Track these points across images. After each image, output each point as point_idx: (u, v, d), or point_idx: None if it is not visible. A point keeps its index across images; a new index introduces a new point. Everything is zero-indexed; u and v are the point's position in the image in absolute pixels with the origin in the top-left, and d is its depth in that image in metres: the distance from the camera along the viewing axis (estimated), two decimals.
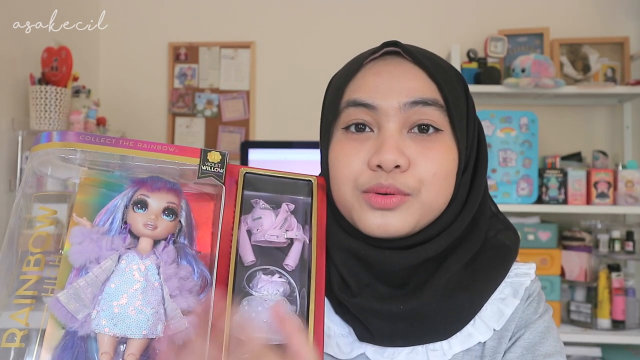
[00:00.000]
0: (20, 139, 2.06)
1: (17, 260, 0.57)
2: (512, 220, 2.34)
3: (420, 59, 0.66)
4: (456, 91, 0.68)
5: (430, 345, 0.66)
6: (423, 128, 0.65)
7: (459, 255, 0.67)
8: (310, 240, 0.63)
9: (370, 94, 0.65)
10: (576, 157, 2.35)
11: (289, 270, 0.61)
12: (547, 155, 2.29)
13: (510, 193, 2.14)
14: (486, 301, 0.67)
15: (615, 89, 2.22)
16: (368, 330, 0.65)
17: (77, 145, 0.58)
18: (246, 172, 0.64)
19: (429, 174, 0.64)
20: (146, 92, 2.68)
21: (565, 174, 2.14)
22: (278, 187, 0.66)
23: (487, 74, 2.21)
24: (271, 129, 2.63)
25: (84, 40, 2.51)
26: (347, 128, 0.67)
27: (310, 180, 0.67)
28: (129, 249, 0.57)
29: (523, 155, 2.14)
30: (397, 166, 0.63)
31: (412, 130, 0.65)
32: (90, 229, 0.58)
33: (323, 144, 0.71)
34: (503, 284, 0.69)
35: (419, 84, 0.65)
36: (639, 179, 2.11)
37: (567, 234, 2.23)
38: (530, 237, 2.14)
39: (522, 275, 0.70)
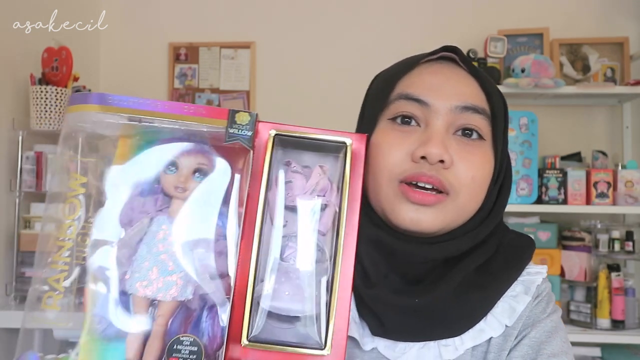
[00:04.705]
0: (20, 139, 2.07)
1: (57, 226, 0.58)
2: (512, 220, 2.35)
3: (475, 68, 0.70)
4: (500, 104, 0.71)
5: (443, 341, 0.66)
6: (467, 132, 0.67)
7: (475, 256, 0.69)
8: (345, 206, 0.58)
9: (425, 91, 0.67)
10: (576, 157, 2.35)
11: (320, 235, 0.59)
12: (546, 155, 2.30)
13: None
14: (499, 299, 0.68)
15: (614, 89, 2.22)
16: (381, 324, 0.66)
17: (110, 109, 0.59)
18: (276, 134, 0.61)
19: (468, 178, 0.65)
20: (146, 92, 2.68)
21: (565, 174, 2.14)
22: (312, 148, 0.62)
23: (487, 74, 2.21)
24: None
25: (84, 40, 2.52)
26: (393, 119, 0.68)
27: (344, 142, 0.60)
28: (160, 210, 0.58)
29: (523, 155, 2.15)
30: (441, 162, 0.64)
31: (457, 133, 0.67)
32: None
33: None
34: (515, 282, 0.70)
35: (472, 91, 0.68)
36: (639, 179, 2.11)
37: (566, 234, 2.23)
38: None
39: (534, 274, 0.72)
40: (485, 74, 0.72)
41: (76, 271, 0.57)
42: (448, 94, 0.67)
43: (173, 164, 0.59)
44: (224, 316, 0.55)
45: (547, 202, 2.14)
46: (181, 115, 0.59)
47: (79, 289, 0.57)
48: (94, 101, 0.59)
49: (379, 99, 0.71)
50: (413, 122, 0.67)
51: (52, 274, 0.57)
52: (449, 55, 0.71)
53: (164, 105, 0.59)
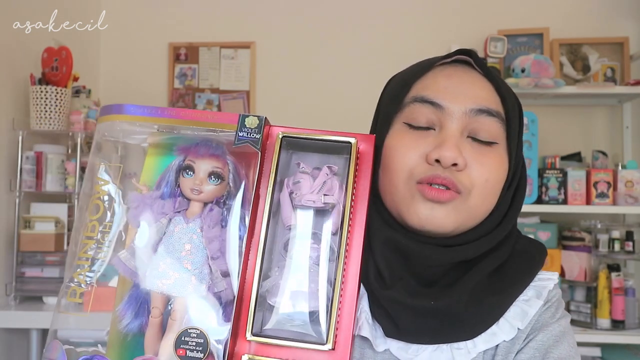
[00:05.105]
0: (20, 139, 2.07)
1: (82, 224, 0.63)
2: None
3: (490, 71, 0.70)
4: (515, 108, 0.71)
5: (455, 344, 0.67)
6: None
7: (489, 261, 0.69)
8: (349, 204, 0.60)
9: (440, 94, 0.68)
10: (576, 157, 2.35)
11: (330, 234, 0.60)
12: (547, 155, 2.30)
13: None
14: (512, 304, 0.69)
15: (614, 89, 2.22)
16: (395, 325, 0.66)
17: (139, 119, 0.63)
18: (284, 136, 0.63)
19: (481, 180, 0.67)
20: (146, 92, 2.68)
21: (565, 174, 2.14)
22: (319, 149, 0.64)
23: None
24: None
25: (84, 40, 2.52)
26: (408, 122, 0.69)
27: (349, 142, 0.63)
28: (178, 212, 0.61)
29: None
30: (454, 165, 0.65)
31: (471, 136, 0.68)
32: (145, 194, 0.63)
33: (378, 136, 0.71)
34: (527, 287, 0.71)
35: (486, 94, 0.69)
36: (639, 179, 2.11)
37: (566, 234, 2.23)
38: (530, 237, 2.14)
39: (545, 280, 0.72)
40: (500, 78, 0.72)
41: (98, 267, 0.61)
42: (463, 97, 0.67)
43: (189, 168, 0.62)
44: (231, 312, 0.58)
45: (547, 202, 2.14)
46: (205, 122, 0.62)
47: (100, 284, 0.61)
48: (124, 112, 0.63)
49: (394, 101, 0.71)
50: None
51: (76, 270, 0.62)
52: (464, 58, 0.72)
53: (189, 114, 0.63)
